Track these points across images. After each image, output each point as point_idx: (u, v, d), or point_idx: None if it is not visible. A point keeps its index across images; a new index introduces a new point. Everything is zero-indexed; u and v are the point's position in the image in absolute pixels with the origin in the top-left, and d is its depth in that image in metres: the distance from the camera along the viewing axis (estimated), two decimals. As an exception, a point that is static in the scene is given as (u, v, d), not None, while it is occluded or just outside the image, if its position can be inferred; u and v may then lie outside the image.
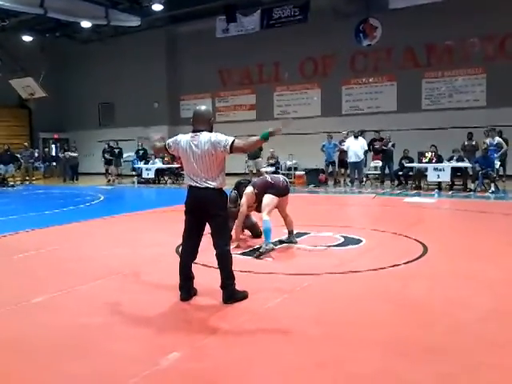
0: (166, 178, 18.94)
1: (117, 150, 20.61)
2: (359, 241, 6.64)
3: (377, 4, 17.33)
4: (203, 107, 4.29)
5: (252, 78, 21.48)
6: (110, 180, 19.90)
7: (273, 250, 5.96)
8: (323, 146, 16.34)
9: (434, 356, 3.08)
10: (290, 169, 18.61)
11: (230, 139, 3.99)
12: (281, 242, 6.49)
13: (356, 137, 15.20)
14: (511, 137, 14.68)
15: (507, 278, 4.75)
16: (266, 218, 5.99)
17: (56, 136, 26.08)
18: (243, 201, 6.35)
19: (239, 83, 21.76)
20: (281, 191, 6.24)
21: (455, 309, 3.93)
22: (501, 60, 16.36)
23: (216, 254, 4.15)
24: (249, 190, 6.39)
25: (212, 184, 4.04)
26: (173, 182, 18.35)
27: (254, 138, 4.01)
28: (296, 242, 6.55)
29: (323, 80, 19.85)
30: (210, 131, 4.14)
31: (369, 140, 16.01)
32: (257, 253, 5.82)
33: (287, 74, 20.32)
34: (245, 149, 4.14)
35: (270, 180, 6.36)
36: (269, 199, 6.15)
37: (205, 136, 4.04)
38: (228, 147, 3.96)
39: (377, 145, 15.74)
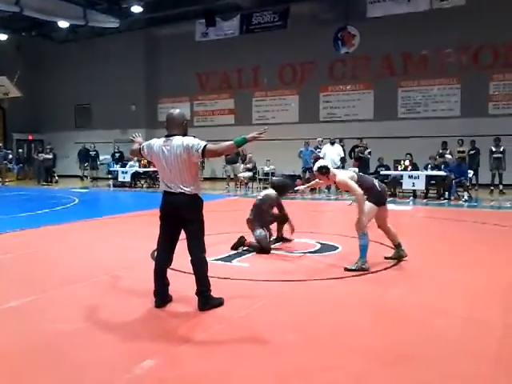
0: (143, 182, 18.76)
1: (93, 153, 20.55)
2: (335, 247, 6.68)
3: (355, 12, 17.57)
4: (176, 111, 4.24)
5: (231, 83, 21.48)
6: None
7: (367, 270, 5.34)
8: (300, 152, 16.42)
9: (412, 364, 3.10)
10: (267, 174, 18.62)
11: (202, 143, 3.94)
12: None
13: (332, 143, 15.35)
14: (483, 146, 14.98)
15: (482, 287, 4.83)
16: (366, 231, 5.43)
17: (31, 137, 25.61)
18: (354, 185, 5.40)
19: (218, 87, 21.75)
20: (383, 202, 5.63)
21: (432, 316, 3.96)
22: (474, 71, 16.72)
23: (191, 261, 4.11)
24: (354, 178, 5.54)
25: (186, 189, 3.98)
26: (149, 186, 18.18)
27: (228, 143, 3.97)
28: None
29: (301, 86, 19.98)
30: (185, 135, 4.08)
31: (350, 146, 16.20)
32: (353, 266, 5.39)
33: (266, 79, 20.40)
34: (217, 153, 4.06)
35: (378, 187, 5.61)
36: (370, 208, 5.45)
37: (177, 140, 3.98)
38: (200, 151, 3.90)
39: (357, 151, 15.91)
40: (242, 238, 6.50)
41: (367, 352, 3.27)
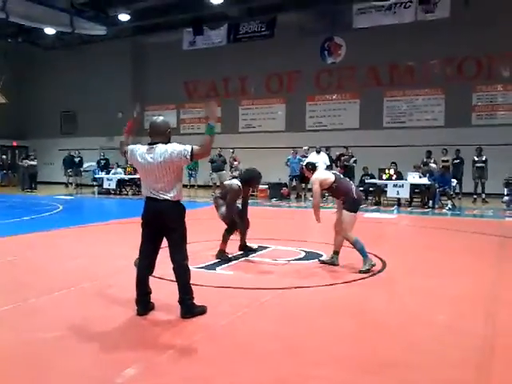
0: (128, 189, 18.65)
1: (77, 160, 20.41)
2: (320, 255, 6.68)
3: (342, 23, 17.71)
4: (160, 118, 4.23)
5: (218, 91, 21.52)
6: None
7: (375, 265, 5.72)
8: (288, 160, 16.49)
9: (394, 372, 3.11)
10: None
11: (189, 147, 3.93)
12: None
13: (318, 152, 15.44)
14: (466, 156, 15.17)
15: (463, 295, 4.87)
16: (354, 237, 5.66)
17: (15, 143, 25.36)
18: (317, 193, 5.82)
19: (205, 96, 21.76)
20: (358, 208, 5.84)
21: (413, 325, 3.98)
22: (458, 82, 16.97)
23: (173, 269, 4.09)
24: (331, 178, 5.83)
25: (168, 196, 3.97)
26: (134, 193, 18.07)
27: (205, 138, 3.92)
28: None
29: (288, 95, 20.09)
30: (168, 143, 4.06)
31: (335, 155, 16.34)
32: (364, 268, 5.63)
33: (253, 88, 20.48)
34: (204, 152, 4.02)
35: (354, 193, 5.75)
36: (350, 217, 5.68)
37: (161, 148, 3.97)
38: (188, 156, 3.90)
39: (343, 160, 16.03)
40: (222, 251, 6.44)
41: (350, 360, 3.28)
